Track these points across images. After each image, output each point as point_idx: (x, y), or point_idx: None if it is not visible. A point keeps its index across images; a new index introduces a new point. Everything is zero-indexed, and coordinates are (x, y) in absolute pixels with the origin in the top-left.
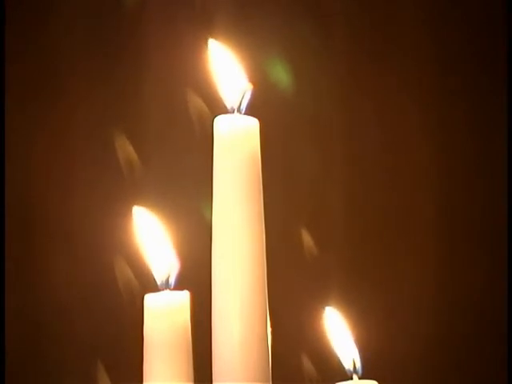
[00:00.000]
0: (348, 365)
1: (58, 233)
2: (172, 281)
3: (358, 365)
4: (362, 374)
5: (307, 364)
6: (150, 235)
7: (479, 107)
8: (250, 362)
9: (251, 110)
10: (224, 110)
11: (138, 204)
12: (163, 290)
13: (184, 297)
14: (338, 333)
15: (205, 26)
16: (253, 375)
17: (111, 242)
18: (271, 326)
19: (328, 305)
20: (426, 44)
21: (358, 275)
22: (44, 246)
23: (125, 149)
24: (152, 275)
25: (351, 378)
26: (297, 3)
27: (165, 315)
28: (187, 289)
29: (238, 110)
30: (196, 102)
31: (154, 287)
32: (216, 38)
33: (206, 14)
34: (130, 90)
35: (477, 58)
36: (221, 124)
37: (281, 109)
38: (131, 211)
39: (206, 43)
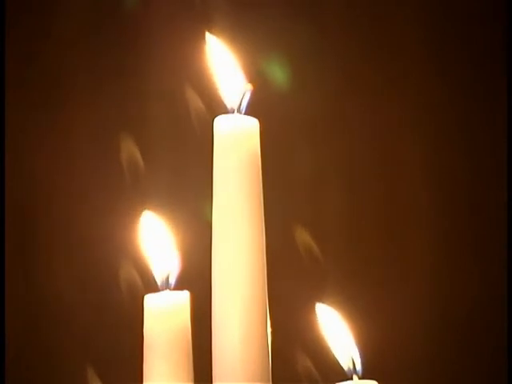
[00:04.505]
0: (347, 365)
1: (59, 232)
2: (172, 281)
3: (358, 365)
4: (362, 374)
5: (307, 364)
6: (151, 235)
7: (478, 107)
8: (250, 362)
9: (251, 110)
10: (224, 110)
11: (138, 204)
12: (163, 290)
13: (184, 297)
14: (338, 333)
15: (205, 26)
16: (253, 375)
17: (113, 242)
18: (271, 326)
19: (328, 304)
20: (423, 43)
21: (357, 275)
22: (46, 247)
23: (126, 149)
24: (152, 275)
25: (351, 378)
26: (294, 4)
27: (165, 315)
28: (187, 289)
29: (238, 110)
30: (196, 103)
31: (154, 287)
32: (215, 39)
33: (205, 14)
34: (132, 91)
35: (475, 56)
36: (221, 124)
37: (279, 109)
38: (132, 212)
39: (206, 44)
